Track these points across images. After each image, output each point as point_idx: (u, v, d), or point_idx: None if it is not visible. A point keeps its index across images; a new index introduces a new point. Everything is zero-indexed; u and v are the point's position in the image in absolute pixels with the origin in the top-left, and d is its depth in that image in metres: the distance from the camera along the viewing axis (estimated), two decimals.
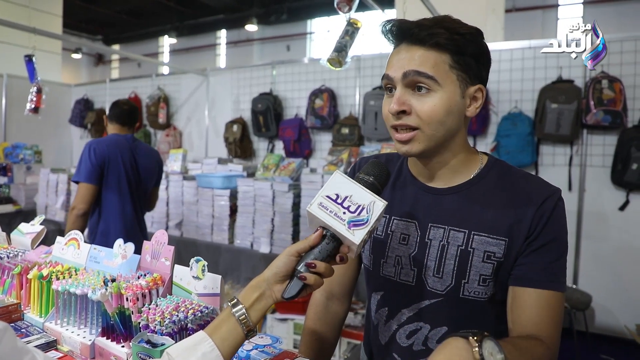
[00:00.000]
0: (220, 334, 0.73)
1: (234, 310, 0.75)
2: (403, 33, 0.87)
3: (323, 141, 4.14)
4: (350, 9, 1.95)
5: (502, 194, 0.90)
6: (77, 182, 2.40)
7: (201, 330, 0.74)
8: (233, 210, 3.14)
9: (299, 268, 0.77)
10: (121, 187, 2.48)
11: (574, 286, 3.15)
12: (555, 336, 0.83)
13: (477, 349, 0.62)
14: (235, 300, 0.76)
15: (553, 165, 3.29)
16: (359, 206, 0.76)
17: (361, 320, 2.44)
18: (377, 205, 0.77)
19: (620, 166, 2.99)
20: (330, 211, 0.76)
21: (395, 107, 0.85)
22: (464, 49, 0.85)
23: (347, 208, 0.76)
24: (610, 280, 3.11)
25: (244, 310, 0.74)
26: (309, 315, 1.13)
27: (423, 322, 0.92)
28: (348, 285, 1.12)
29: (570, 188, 3.23)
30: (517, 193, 0.89)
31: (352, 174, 1.07)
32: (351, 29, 2.01)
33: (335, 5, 1.94)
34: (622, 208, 3.08)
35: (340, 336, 1.16)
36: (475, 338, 0.63)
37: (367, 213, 0.76)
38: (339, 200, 0.77)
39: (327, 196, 0.78)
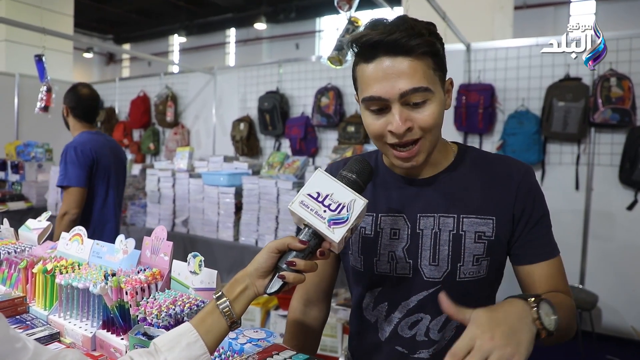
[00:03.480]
0: (205, 325, 0.75)
1: (218, 303, 0.77)
2: (386, 46, 0.81)
3: (329, 139, 4.15)
4: (350, 8, 1.95)
5: (480, 176, 0.95)
6: (64, 187, 2.28)
7: (187, 322, 0.76)
8: (238, 207, 3.16)
9: (280, 264, 0.78)
10: (108, 186, 2.43)
11: (580, 286, 3.13)
12: (569, 289, 0.93)
13: (535, 309, 0.67)
14: (220, 293, 0.78)
15: (560, 164, 3.27)
16: (339, 204, 0.77)
17: None
18: (357, 203, 0.77)
19: (628, 165, 2.96)
20: (311, 209, 0.78)
21: (403, 128, 0.83)
22: (439, 49, 0.86)
23: (328, 206, 0.77)
24: (617, 280, 3.09)
25: (227, 303, 0.77)
26: (288, 322, 1.12)
27: (423, 313, 0.94)
28: (325, 290, 1.12)
29: (577, 187, 3.20)
30: (494, 173, 0.95)
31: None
32: (352, 28, 2.02)
33: (335, 4, 1.95)
34: (630, 207, 3.05)
35: (320, 342, 1.15)
36: (532, 299, 0.68)
37: (347, 211, 0.77)
38: (320, 199, 0.78)
39: (309, 194, 0.79)
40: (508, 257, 0.97)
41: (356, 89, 0.92)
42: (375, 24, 0.85)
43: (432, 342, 0.94)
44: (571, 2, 9.88)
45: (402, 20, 0.84)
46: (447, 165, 0.97)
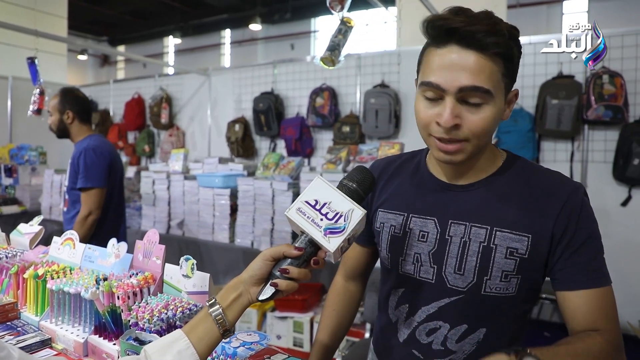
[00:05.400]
0: (197, 333, 0.74)
1: (210, 310, 0.76)
2: (461, 36, 0.78)
3: (324, 140, 4.14)
4: (342, 8, 1.95)
5: (522, 189, 0.89)
6: (88, 189, 2.30)
7: (178, 329, 0.76)
8: (233, 209, 3.16)
9: (274, 272, 0.77)
10: (120, 188, 2.51)
11: None
12: (614, 329, 0.83)
13: None
14: (213, 300, 0.77)
15: (554, 162, 3.27)
16: (336, 213, 0.76)
17: (360, 318, 2.44)
18: (355, 213, 0.76)
19: (621, 161, 2.97)
20: (307, 217, 0.76)
21: (451, 123, 0.80)
22: (515, 55, 0.82)
23: (325, 215, 0.76)
24: (613, 276, 3.04)
25: (220, 310, 0.75)
26: (330, 294, 1.20)
27: (442, 321, 0.92)
28: (361, 269, 1.17)
29: None
30: (538, 188, 0.88)
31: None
32: (344, 28, 2.02)
33: (327, 4, 1.94)
34: (624, 204, 3.06)
35: (356, 314, 1.22)
36: (516, 354, 0.64)
37: (344, 221, 0.75)
38: (318, 207, 0.77)
39: (306, 201, 0.78)
40: (550, 279, 0.90)
41: (418, 71, 0.89)
42: (457, 12, 0.81)
43: (449, 352, 0.91)
44: (564, 0, 9.91)
45: (487, 15, 0.80)
46: (490, 173, 0.92)
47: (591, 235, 0.86)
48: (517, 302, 0.90)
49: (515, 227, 0.86)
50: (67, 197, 2.47)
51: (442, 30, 0.80)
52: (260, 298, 0.77)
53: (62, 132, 2.47)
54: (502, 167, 0.93)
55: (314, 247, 0.77)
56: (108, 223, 2.44)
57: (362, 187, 0.80)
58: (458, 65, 0.78)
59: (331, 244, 0.74)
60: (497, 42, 0.77)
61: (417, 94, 0.87)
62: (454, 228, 0.90)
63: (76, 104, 2.43)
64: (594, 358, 0.76)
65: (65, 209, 2.49)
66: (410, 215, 0.96)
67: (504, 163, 0.93)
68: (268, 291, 0.76)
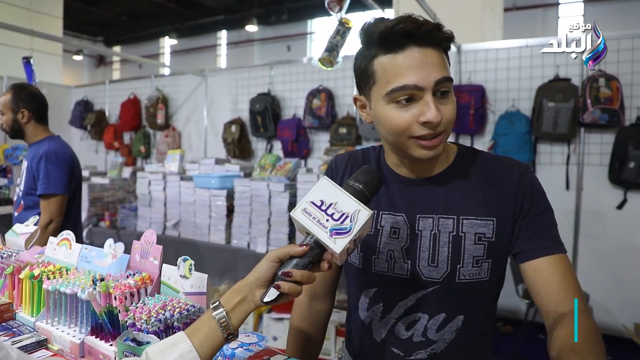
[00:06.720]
0: (199, 336, 0.72)
1: (214, 313, 0.74)
2: (418, 37, 0.82)
3: (321, 141, 4.15)
4: (341, 9, 1.96)
5: (480, 176, 0.94)
6: (49, 196, 2.16)
7: (181, 331, 0.74)
8: (230, 210, 3.15)
9: (278, 273, 0.76)
10: (80, 194, 2.38)
11: None
12: (580, 292, 0.86)
13: None
14: (217, 303, 0.75)
15: (550, 164, 3.29)
16: (342, 214, 0.74)
17: None
18: (362, 214, 0.74)
19: (617, 164, 2.99)
20: (313, 217, 0.75)
21: (440, 117, 0.82)
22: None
23: (331, 215, 0.75)
24: (608, 279, 3.11)
25: (224, 313, 0.74)
26: (293, 315, 1.13)
27: (421, 313, 0.93)
28: (330, 284, 1.12)
29: (567, 187, 3.22)
30: (494, 174, 0.94)
31: (330, 174, 1.07)
32: (342, 29, 2.02)
33: (326, 5, 1.95)
34: (619, 207, 3.08)
35: (326, 334, 1.15)
36: None
37: (350, 222, 0.74)
38: (323, 207, 0.76)
39: (312, 202, 0.77)
40: (513, 258, 0.93)
41: (370, 84, 0.88)
42: (403, 19, 0.83)
43: (430, 342, 0.92)
44: (559, 3, 9.98)
45: (422, 17, 0.85)
46: (447, 165, 0.96)
47: (546, 208, 0.92)
48: (490, 286, 0.93)
49: (479, 213, 0.90)
50: (22, 202, 2.29)
51: (399, 36, 0.82)
52: (264, 300, 0.75)
53: (16, 132, 2.29)
54: (457, 158, 0.97)
55: (319, 248, 0.76)
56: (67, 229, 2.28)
57: (369, 188, 0.79)
58: (426, 62, 0.82)
59: (337, 245, 0.73)
60: (446, 37, 0.84)
61: (383, 104, 0.86)
62: (423, 222, 0.93)
63: (31, 102, 2.25)
64: (595, 333, 0.77)
65: (16, 214, 2.31)
66: (381, 212, 0.97)
67: (458, 154, 0.98)
68: (272, 293, 0.75)
